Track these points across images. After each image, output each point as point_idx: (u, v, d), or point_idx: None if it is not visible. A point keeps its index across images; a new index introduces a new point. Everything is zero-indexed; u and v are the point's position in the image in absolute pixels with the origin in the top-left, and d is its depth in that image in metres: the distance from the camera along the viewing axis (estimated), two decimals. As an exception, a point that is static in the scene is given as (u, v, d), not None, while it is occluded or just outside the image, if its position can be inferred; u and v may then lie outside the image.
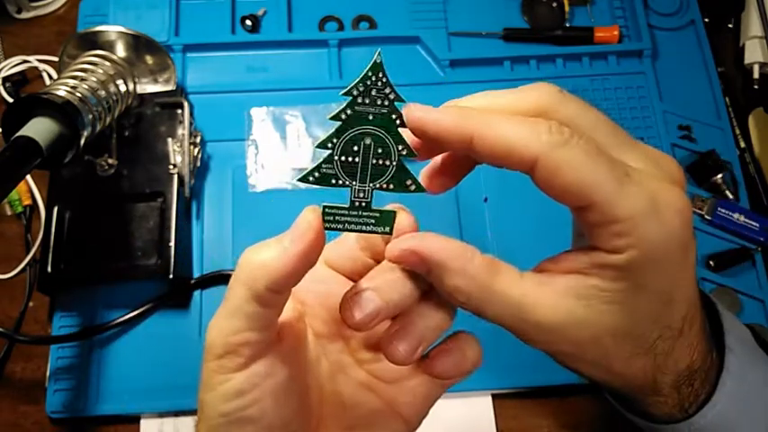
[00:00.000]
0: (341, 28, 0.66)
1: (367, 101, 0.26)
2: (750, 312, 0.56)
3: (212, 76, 0.64)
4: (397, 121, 0.26)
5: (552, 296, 0.26)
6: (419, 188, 0.27)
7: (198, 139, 0.58)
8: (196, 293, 0.56)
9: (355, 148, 0.26)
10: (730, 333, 0.31)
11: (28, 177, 0.59)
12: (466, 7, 0.67)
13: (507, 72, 0.64)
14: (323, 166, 0.26)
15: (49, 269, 0.53)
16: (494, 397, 0.54)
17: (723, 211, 0.58)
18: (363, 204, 0.26)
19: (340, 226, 0.26)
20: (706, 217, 0.58)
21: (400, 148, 0.26)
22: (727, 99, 0.64)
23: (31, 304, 0.57)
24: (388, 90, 0.26)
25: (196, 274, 0.56)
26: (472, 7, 0.67)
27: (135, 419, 0.53)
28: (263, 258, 0.25)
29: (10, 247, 0.58)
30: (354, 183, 0.26)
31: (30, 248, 0.57)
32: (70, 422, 0.53)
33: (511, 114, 0.25)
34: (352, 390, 0.31)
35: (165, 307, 0.55)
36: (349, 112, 0.26)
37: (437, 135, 0.25)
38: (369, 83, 0.25)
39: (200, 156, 0.58)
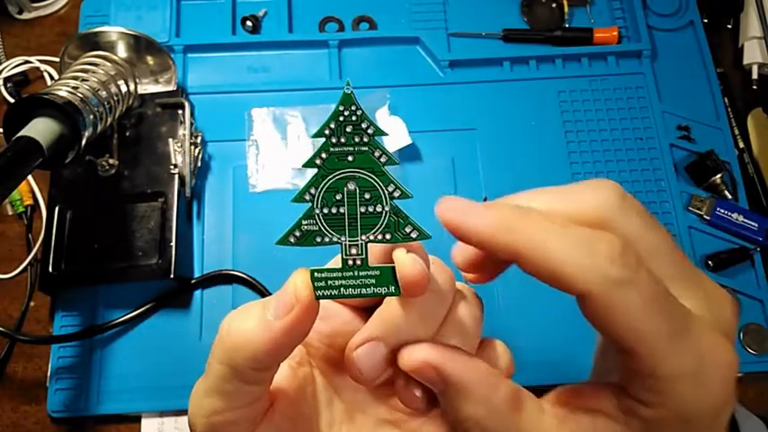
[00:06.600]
0: (341, 29, 0.67)
1: (343, 140, 0.22)
2: (749, 312, 0.56)
3: (213, 76, 0.64)
4: (382, 159, 0.22)
5: None
6: (423, 234, 0.22)
7: (199, 140, 0.58)
8: (197, 293, 0.56)
9: (338, 197, 0.22)
10: None
11: (29, 177, 0.59)
12: (465, 8, 0.67)
13: (507, 73, 0.64)
14: (303, 223, 0.22)
15: (51, 269, 0.53)
16: (493, 396, 0.54)
17: (722, 211, 0.58)
18: (359, 263, 0.22)
19: (335, 292, 0.22)
20: (705, 217, 0.58)
21: (391, 189, 0.22)
22: (726, 99, 0.65)
23: (32, 304, 0.57)
24: (365, 124, 0.22)
25: (197, 274, 0.56)
26: (472, 8, 0.67)
27: (136, 419, 0.53)
28: (243, 331, 0.22)
29: (11, 246, 0.59)
30: (344, 238, 0.22)
31: (31, 248, 0.58)
32: (71, 422, 0.53)
33: (566, 225, 0.21)
34: (373, 428, 0.28)
35: (165, 307, 0.56)
36: (324, 155, 0.22)
37: (477, 245, 0.22)
38: (342, 119, 0.22)
39: (200, 156, 0.58)
